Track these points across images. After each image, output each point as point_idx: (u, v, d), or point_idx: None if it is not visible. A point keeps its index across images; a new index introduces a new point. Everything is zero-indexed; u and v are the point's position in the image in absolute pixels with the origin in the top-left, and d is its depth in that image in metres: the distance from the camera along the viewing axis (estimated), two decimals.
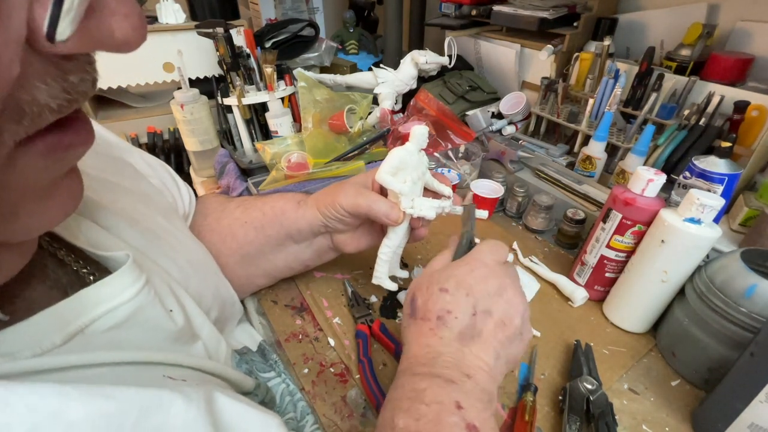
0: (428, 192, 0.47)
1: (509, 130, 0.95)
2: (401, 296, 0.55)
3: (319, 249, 0.51)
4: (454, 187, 0.46)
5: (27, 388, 0.18)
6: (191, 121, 0.79)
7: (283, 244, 0.49)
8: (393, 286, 0.47)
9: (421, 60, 0.90)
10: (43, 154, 0.19)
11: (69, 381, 0.22)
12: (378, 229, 0.49)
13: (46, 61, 0.17)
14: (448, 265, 0.38)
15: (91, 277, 0.28)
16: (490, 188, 0.72)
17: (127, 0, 0.17)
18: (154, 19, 0.90)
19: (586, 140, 0.79)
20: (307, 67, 0.99)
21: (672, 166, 0.68)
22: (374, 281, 0.47)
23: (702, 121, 0.67)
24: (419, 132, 0.42)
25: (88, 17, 0.16)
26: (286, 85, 0.85)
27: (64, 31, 0.15)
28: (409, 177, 0.42)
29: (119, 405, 0.20)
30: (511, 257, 0.53)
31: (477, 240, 0.41)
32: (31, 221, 0.21)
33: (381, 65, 0.94)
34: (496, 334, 0.34)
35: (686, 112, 0.70)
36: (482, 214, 0.44)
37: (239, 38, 0.79)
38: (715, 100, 0.66)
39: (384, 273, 0.47)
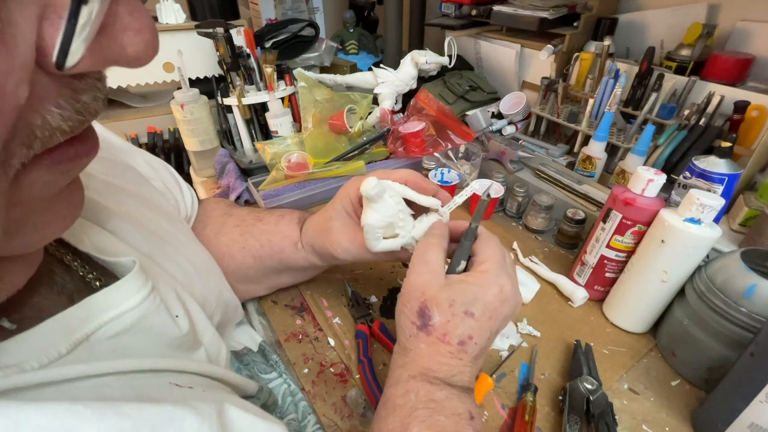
0: (417, 206, 0.42)
1: (509, 130, 0.96)
2: None
3: (321, 270, 0.53)
4: (454, 187, 0.45)
5: (37, 407, 0.18)
6: (191, 121, 0.79)
7: (284, 271, 0.50)
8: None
9: (421, 60, 0.90)
10: (50, 167, 0.19)
11: (76, 393, 0.22)
12: None
13: (57, 82, 0.16)
14: (467, 281, 0.34)
15: (98, 283, 0.28)
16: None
17: (139, 14, 0.17)
18: (154, 19, 0.90)
19: (586, 140, 0.79)
20: (307, 67, 0.99)
21: (672, 166, 0.68)
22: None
23: (702, 121, 0.67)
24: (368, 189, 0.38)
25: (99, 34, 0.16)
26: (286, 85, 0.85)
27: (75, 52, 0.15)
28: (395, 225, 0.41)
29: (131, 423, 0.20)
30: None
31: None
32: (35, 234, 0.21)
33: (381, 65, 0.94)
34: (491, 345, 0.37)
35: (686, 112, 0.70)
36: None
37: (239, 38, 0.79)
38: (715, 100, 0.66)
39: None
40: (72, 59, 0.15)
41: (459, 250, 0.37)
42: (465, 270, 0.37)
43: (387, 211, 0.39)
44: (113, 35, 0.16)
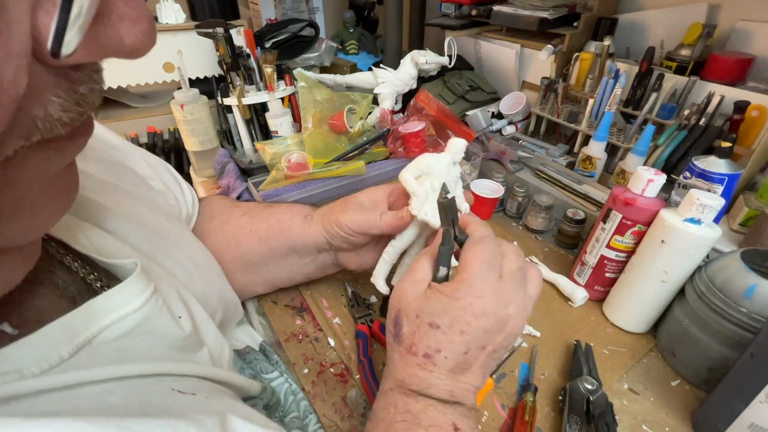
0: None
1: (509, 130, 0.95)
2: None
3: (322, 264, 0.51)
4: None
5: (38, 425, 0.18)
6: (191, 121, 0.79)
7: (287, 257, 0.49)
8: (385, 290, 0.46)
9: (421, 60, 0.90)
10: (44, 145, 0.18)
11: (78, 401, 0.21)
12: (383, 249, 0.48)
13: (54, 74, 0.16)
14: (441, 291, 0.32)
15: (99, 284, 0.28)
16: (490, 188, 0.72)
17: (135, 3, 0.17)
18: (153, 19, 0.90)
19: (586, 140, 0.79)
20: (307, 67, 0.99)
21: (672, 166, 0.68)
22: (371, 279, 0.47)
23: (702, 121, 0.67)
24: (456, 144, 0.41)
25: (96, 24, 0.15)
26: (286, 85, 0.85)
27: (70, 42, 0.15)
28: (429, 182, 0.41)
29: None
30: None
31: (465, 232, 0.37)
32: (33, 220, 0.21)
33: (381, 65, 0.94)
34: (487, 362, 0.33)
35: (686, 112, 0.70)
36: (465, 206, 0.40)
37: (239, 38, 0.79)
38: (715, 100, 0.66)
39: (381, 273, 0.46)
40: (67, 48, 0.15)
41: (438, 256, 0.35)
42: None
43: (444, 166, 0.40)
44: (110, 25, 0.16)
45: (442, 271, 0.34)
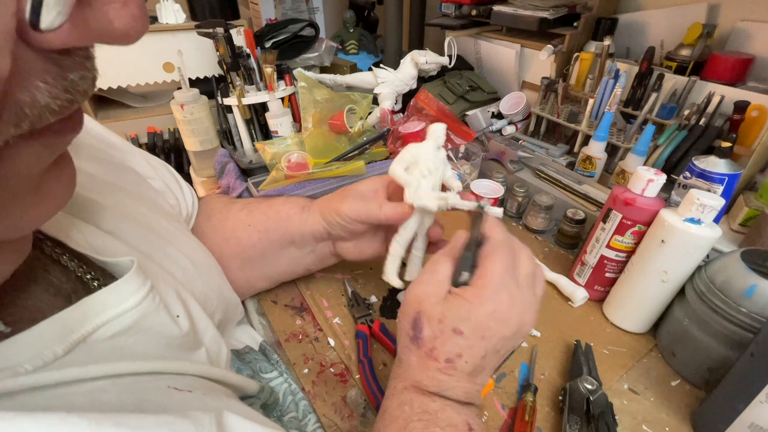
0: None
1: (509, 130, 0.95)
2: (401, 296, 0.55)
3: (321, 255, 0.51)
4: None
5: (32, 419, 0.17)
6: (191, 121, 0.79)
7: (286, 249, 0.49)
8: (399, 284, 0.47)
9: (421, 60, 0.90)
10: (29, 139, 0.18)
11: (71, 398, 0.21)
12: (381, 238, 0.49)
13: (44, 58, 0.16)
14: (463, 296, 0.33)
15: (95, 283, 0.28)
16: (490, 188, 0.72)
17: None
18: (154, 19, 0.90)
19: (586, 140, 0.79)
20: (307, 67, 0.99)
21: (672, 166, 0.68)
22: (383, 277, 0.47)
23: (702, 121, 0.67)
24: (436, 130, 0.43)
25: (83, 6, 0.15)
26: (286, 85, 0.85)
27: (53, 20, 0.14)
28: (418, 171, 0.42)
29: None
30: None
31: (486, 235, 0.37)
32: (24, 215, 0.20)
33: (381, 65, 0.94)
34: (496, 363, 0.35)
35: (686, 112, 0.70)
36: (497, 211, 0.40)
37: (239, 38, 0.79)
38: (715, 100, 0.66)
39: (392, 269, 0.46)
40: (50, 24, 0.14)
41: (460, 260, 0.36)
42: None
43: (431, 154, 0.42)
44: (98, 8, 0.16)
45: (464, 276, 0.35)
